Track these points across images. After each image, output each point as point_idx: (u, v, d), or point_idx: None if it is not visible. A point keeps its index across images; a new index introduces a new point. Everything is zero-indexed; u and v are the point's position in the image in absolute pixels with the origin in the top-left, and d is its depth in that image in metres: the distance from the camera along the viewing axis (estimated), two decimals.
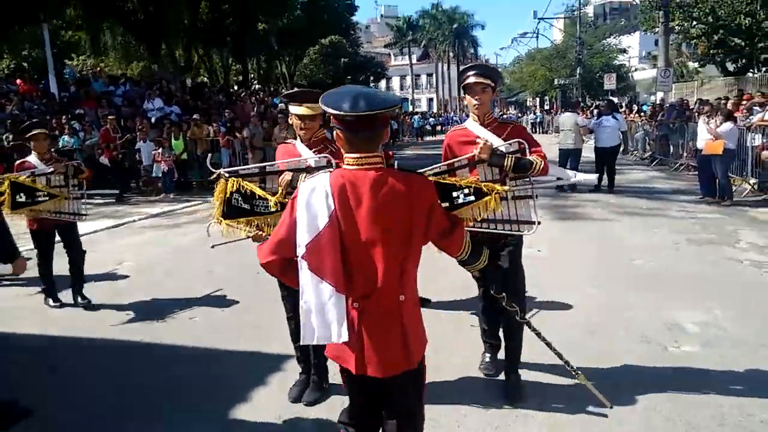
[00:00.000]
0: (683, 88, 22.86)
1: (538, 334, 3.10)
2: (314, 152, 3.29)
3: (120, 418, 3.34)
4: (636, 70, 40.27)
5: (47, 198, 4.93)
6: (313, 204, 1.97)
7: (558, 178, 4.48)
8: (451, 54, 61.32)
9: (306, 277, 2.00)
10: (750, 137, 10.42)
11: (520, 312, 3.06)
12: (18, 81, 14.85)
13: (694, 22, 19.59)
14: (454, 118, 42.57)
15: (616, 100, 32.39)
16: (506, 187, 3.07)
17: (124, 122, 13.18)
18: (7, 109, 13.00)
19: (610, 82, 27.17)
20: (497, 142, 3.15)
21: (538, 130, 34.24)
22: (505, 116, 40.63)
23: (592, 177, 5.12)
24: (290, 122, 3.39)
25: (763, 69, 20.02)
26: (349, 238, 1.97)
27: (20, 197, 4.83)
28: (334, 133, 2.07)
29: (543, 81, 37.04)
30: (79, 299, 5.24)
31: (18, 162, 5.19)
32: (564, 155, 11.39)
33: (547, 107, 39.65)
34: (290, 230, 2.03)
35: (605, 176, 10.99)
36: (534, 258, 5.46)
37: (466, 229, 2.39)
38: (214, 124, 12.85)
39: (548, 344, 3.12)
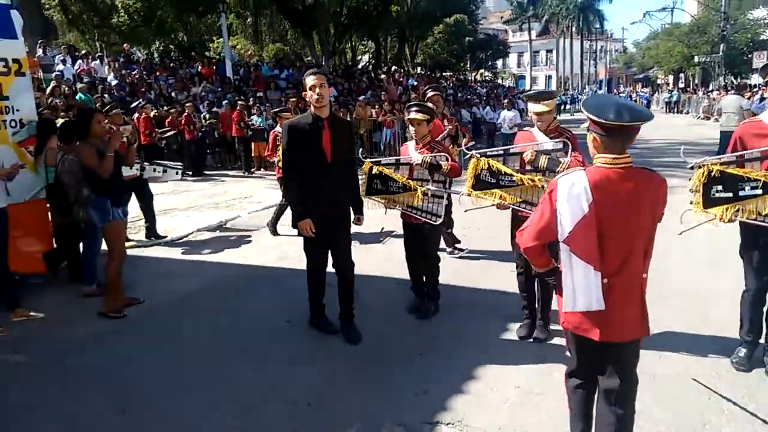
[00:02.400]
0: None
1: None
2: (551, 138, 4.12)
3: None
4: None
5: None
6: (574, 196, 2.33)
7: None
8: (574, 29, 59.17)
9: (567, 257, 2.40)
10: None
11: None
12: (199, 65, 16.96)
13: None
14: (579, 96, 41.39)
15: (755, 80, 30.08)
16: None
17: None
18: (192, 90, 14.99)
19: (759, 59, 25.33)
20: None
21: (674, 110, 32.63)
22: (634, 94, 38.79)
23: None
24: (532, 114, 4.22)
25: None
26: (604, 225, 2.32)
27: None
28: (590, 135, 2.40)
29: (680, 58, 34.96)
30: None
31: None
32: (725, 138, 11.36)
33: (682, 85, 37.39)
34: (551, 219, 2.41)
35: None
36: None
37: (746, 220, 3.16)
38: (377, 105, 14.05)
39: None
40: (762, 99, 11.59)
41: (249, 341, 4.27)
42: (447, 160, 4.58)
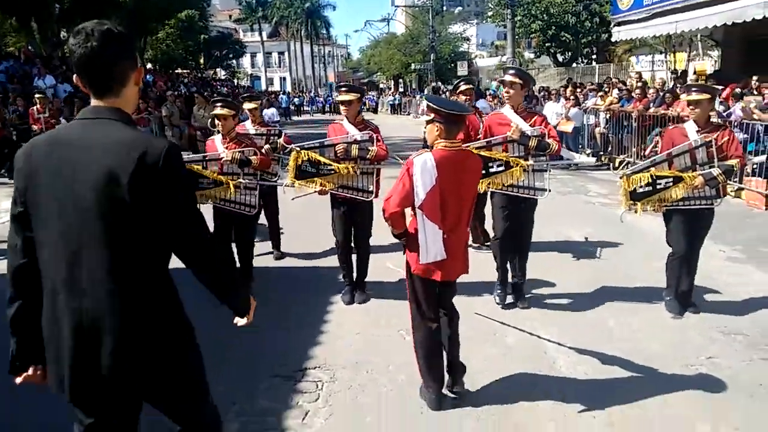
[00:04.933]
0: None
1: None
2: (358, 129, 4.68)
3: None
4: (476, 57, 44.52)
5: None
6: (427, 171, 2.98)
7: (567, 159, 6.20)
8: (303, 33, 62.04)
9: (421, 219, 3.04)
10: (586, 117, 13.32)
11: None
12: None
13: (534, 19, 22.97)
14: (318, 98, 43.68)
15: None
16: (529, 162, 4.45)
17: (13, 99, 12.64)
18: None
19: (462, 69, 30.36)
20: (525, 126, 4.54)
21: (397, 111, 36.69)
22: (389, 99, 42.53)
23: (591, 160, 7.15)
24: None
25: (586, 61, 24.15)
26: (445, 193, 3.02)
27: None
28: (431, 126, 3.06)
29: (399, 65, 39.54)
30: None
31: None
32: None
33: (402, 90, 42.33)
34: (410, 189, 3.01)
35: None
36: None
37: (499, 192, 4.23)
38: None
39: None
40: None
41: None
42: (255, 154, 4.83)
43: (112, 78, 1.76)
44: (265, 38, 64.68)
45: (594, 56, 24.71)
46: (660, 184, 4.43)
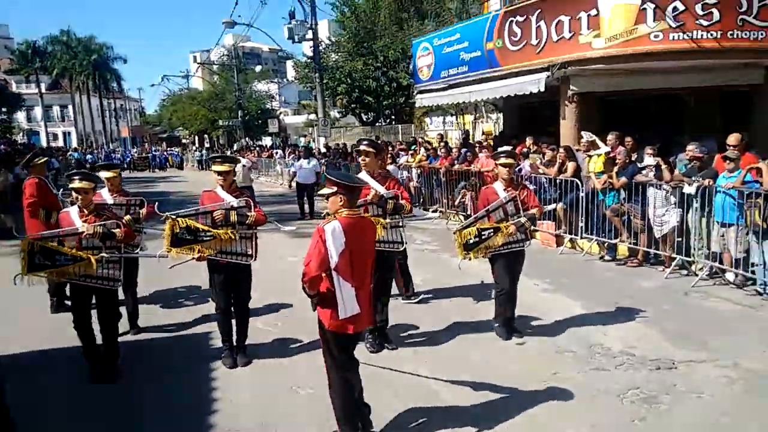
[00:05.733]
0: (332, 133, 28.04)
1: None
2: (234, 196, 4.85)
3: None
4: (281, 114, 45.76)
5: None
6: (337, 236, 3.35)
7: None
8: (90, 85, 57.58)
9: (337, 279, 3.37)
10: (400, 174, 14.69)
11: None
12: None
13: (339, 83, 24.66)
14: (114, 155, 40.49)
15: (269, 141, 36.73)
16: (387, 220, 5.06)
17: None
18: None
19: (273, 126, 31.05)
20: (381, 190, 5.09)
21: (204, 167, 35.75)
22: (166, 153, 40.74)
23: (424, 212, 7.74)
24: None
25: (387, 121, 26.51)
26: (353, 254, 3.40)
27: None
28: (335, 198, 3.42)
29: (204, 121, 38.89)
30: None
31: None
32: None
33: (208, 145, 41.53)
34: (326, 254, 3.32)
35: (306, 206, 13.83)
36: None
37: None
38: None
39: None
40: (299, 158, 14.90)
41: None
42: (118, 226, 4.70)
43: None
44: (44, 90, 58.60)
45: (393, 117, 27.22)
46: (484, 234, 5.37)
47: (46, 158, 7.66)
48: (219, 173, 4.78)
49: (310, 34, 20.27)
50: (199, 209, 4.76)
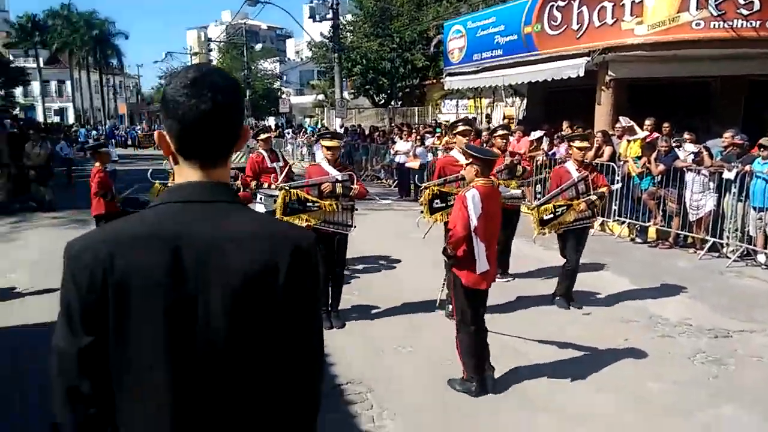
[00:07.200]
0: (345, 115, 28.29)
1: None
2: (338, 170, 5.25)
3: None
4: (283, 94, 45.70)
5: None
6: (476, 202, 3.86)
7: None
8: (91, 60, 57.07)
9: (476, 240, 3.87)
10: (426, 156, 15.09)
11: None
12: None
13: (354, 63, 24.88)
14: (116, 131, 40.31)
15: (273, 121, 36.81)
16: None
17: None
18: None
19: (285, 106, 31.23)
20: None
21: None
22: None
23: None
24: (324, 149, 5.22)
25: (401, 102, 26.80)
26: (487, 218, 3.89)
27: None
28: (470, 168, 4.02)
29: None
30: None
31: None
32: None
33: None
34: (467, 216, 3.83)
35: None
36: None
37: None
38: None
39: None
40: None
41: None
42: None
43: (232, 143, 1.30)
44: (42, 65, 57.95)
45: (402, 99, 27.49)
46: (559, 211, 5.81)
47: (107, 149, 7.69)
48: (328, 148, 5.16)
49: (330, 15, 20.41)
50: (309, 181, 5.16)
